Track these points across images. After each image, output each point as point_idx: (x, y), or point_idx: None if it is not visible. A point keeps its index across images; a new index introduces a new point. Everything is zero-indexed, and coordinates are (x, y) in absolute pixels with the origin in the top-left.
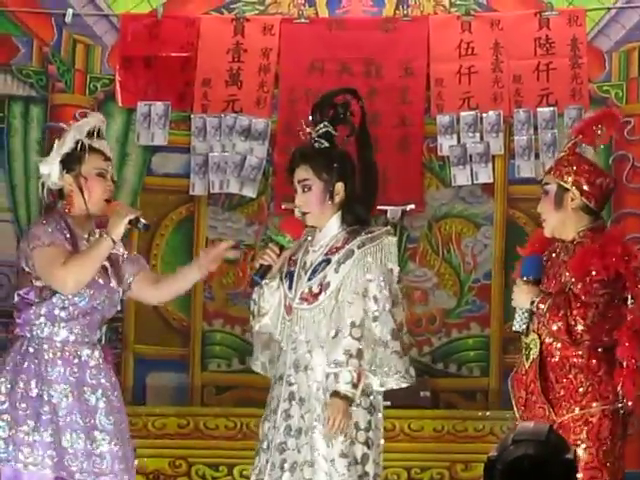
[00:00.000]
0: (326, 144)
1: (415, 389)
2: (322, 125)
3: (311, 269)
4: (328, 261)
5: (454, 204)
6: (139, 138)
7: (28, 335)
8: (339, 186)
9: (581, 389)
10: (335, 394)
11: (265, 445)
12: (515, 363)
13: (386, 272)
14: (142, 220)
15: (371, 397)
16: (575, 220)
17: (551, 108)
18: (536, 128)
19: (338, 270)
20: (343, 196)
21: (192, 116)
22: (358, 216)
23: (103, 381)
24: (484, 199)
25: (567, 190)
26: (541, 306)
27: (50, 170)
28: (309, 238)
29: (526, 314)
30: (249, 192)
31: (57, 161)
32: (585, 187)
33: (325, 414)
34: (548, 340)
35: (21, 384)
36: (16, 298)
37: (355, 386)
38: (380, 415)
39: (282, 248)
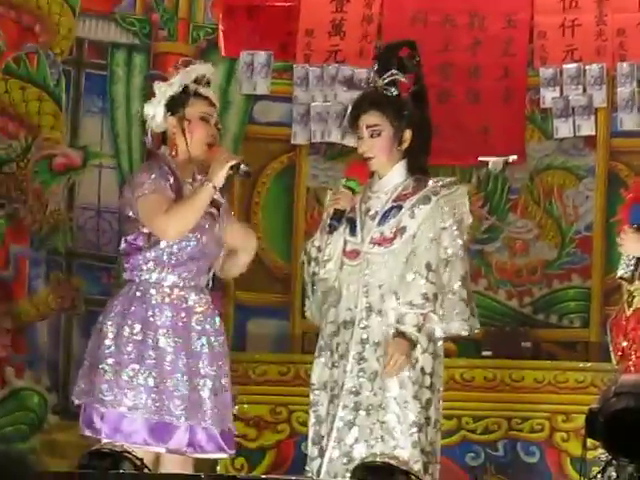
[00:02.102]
0: (395, 92)
1: (516, 339)
2: (390, 73)
3: (380, 214)
4: (399, 207)
5: (556, 156)
6: (241, 87)
7: (136, 280)
8: (407, 133)
9: None
10: (400, 335)
11: (335, 391)
12: None
13: (460, 221)
14: (243, 166)
15: (436, 344)
16: None
17: None
18: (639, 81)
19: (413, 216)
20: (408, 144)
21: (294, 66)
22: (421, 165)
23: (208, 327)
24: (586, 152)
25: None
26: None
27: (154, 112)
28: (367, 184)
29: (633, 261)
30: (350, 142)
31: (162, 103)
32: None
33: (387, 352)
34: None
35: (127, 328)
36: (123, 244)
37: (419, 330)
38: (441, 362)
39: (353, 192)
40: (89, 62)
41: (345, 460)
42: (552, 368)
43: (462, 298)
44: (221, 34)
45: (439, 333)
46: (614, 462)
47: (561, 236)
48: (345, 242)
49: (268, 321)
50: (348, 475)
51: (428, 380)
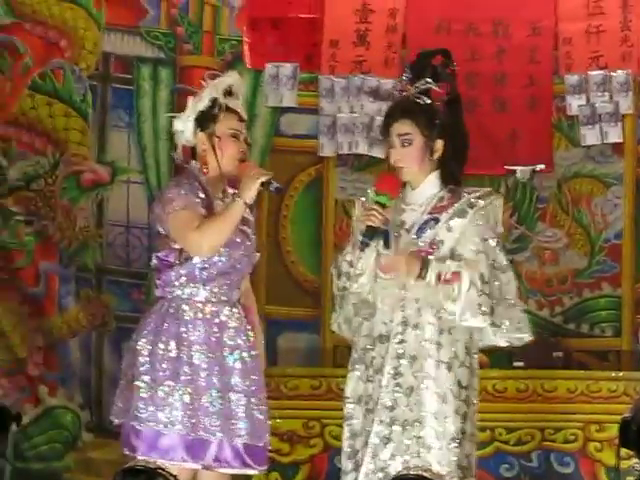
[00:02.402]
0: (428, 101)
1: (548, 349)
2: (424, 82)
3: (416, 227)
4: (436, 219)
5: (584, 164)
6: (268, 99)
7: (169, 296)
8: (439, 143)
9: None
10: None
11: (370, 405)
12: None
13: (498, 234)
14: (274, 182)
15: (472, 357)
16: None
17: None
18: None
19: (450, 229)
20: (441, 154)
21: (320, 77)
22: (454, 175)
23: (240, 342)
24: (614, 159)
25: None
26: None
27: (184, 127)
28: (400, 196)
29: None
30: (378, 153)
31: (192, 118)
32: None
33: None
34: None
35: (161, 345)
36: (154, 260)
37: (438, 278)
38: (476, 375)
39: (383, 207)
40: (115, 77)
41: (381, 475)
42: (584, 378)
43: (521, 309)
44: (246, 46)
45: (503, 343)
46: None
47: (590, 244)
48: (378, 255)
49: (299, 335)
50: None
51: (464, 393)
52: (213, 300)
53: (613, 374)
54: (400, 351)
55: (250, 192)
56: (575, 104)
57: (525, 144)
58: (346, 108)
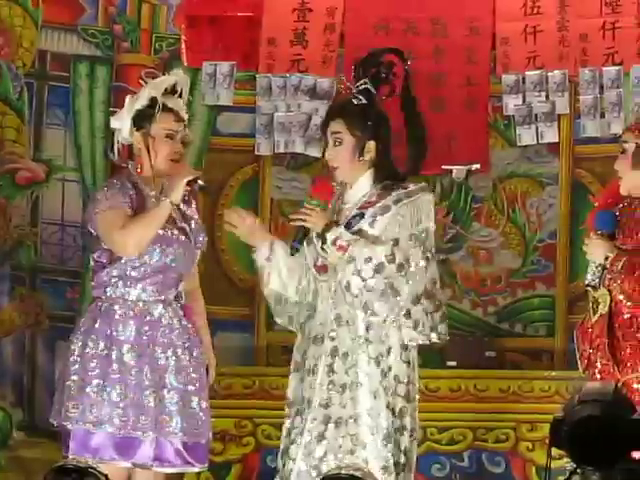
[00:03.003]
0: (364, 101)
1: (481, 349)
2: (362, 82)
3: (344, 223)
4: (362, 215)
5: (519, 164)
6: (205, 98)
7: (103, 296)
8: (370, 144)
9: None
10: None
11: (303, 405)
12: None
13: (421, 230)
14: (199, 181)
15: (409, 351)
16: None
17: (617, 67)
18: (602, 87)
19: (374, 225)
20: (374, 155)
21: (257, 76)
22: (390, 175)
23: (175, 339)
24: (550, 158)
25: None
26: (616, 264)
27: (121, 125)
28: (339, 198)
29: (599, 268)
30: (314, 152)
31: (129, 116)
32: None
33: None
34: (619, 297)
35: (91, 344)
36: (91, 262)
37: (333, 243)
38: (416, 371)
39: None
40: (52, 75)
41: (314, 474)
42: (517, 377)
43: (424, 307)
44: (184, 44)
45: (407, 340)
46: (579, 471)
47: (525, 244)
48: (318, 257)
49: (233, 334)
50: None
51: (403, 388)
52: (146, 299)
53: (545, 374)
54: (333, 347)
55: (176, 191)
56: (512, 104)
57: (462, 144)
58: (283, 107)
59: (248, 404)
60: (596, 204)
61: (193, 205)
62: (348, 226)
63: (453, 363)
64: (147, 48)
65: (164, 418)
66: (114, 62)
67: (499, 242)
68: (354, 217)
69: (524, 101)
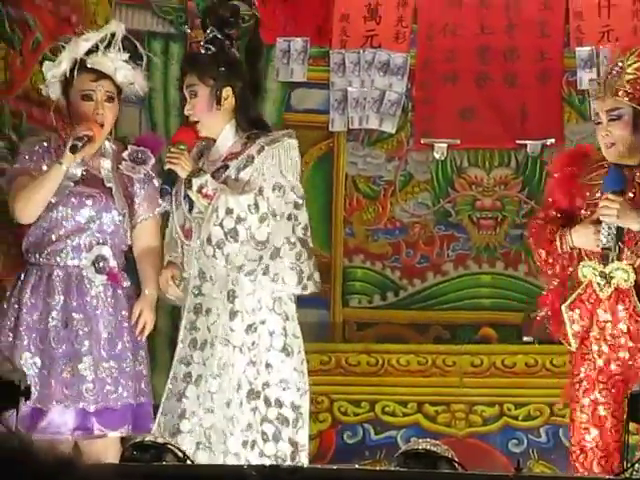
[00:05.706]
0: (213, 49)
1: None
2: (209, 30)
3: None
4: (226, 167)
5: (594, 138)
6: (278, 74)
7: (26, 265)
8: (226, 91)
9: None
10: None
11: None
12: None
13: (286, 177)
14: (71, 140)
15: (283, 304)
16: None
17: None
18: None
19: (238, 177)
20: (233, 102)
21: (331, 52)
22: (254, 121)
23: (92, 308)
24: None
25: None
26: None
27: (51, 90)
28: (205, 154)
29: (612, 229)
30: (388, 127)
31: (55, 81)
32: None
33: None
34: None
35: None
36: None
37: (199, 190)
38: (296, 323)
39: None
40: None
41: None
42: None
43: (290, 259)
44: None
45: (277, 293)
46: None
47: None
48: (185, 220)
49: (308, 310)
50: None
51: (279, 341)
52: (56, 264)
53: None
54: (197, 304)
55: (67, 155)
56: (586, 78)
57: (535, 118)
58: (357, 82)
59: (324, 380)
60: (556, 174)
61: (142, 171)
62: (213, 178)
63: (530, 339)
64: None
65: (76, 386)
66: (188, 39)
67: None
68: (218, 170)
69: (598, 75)
